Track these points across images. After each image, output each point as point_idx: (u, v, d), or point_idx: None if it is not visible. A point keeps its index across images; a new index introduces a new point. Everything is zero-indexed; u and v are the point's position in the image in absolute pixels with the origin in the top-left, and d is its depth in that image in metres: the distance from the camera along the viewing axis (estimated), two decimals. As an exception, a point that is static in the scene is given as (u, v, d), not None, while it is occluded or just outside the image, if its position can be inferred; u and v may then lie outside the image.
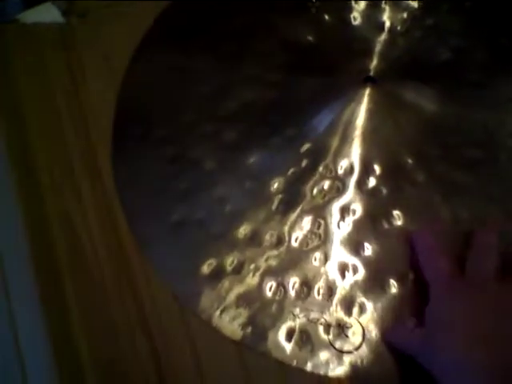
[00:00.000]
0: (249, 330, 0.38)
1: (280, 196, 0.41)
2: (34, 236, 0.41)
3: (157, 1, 0.48)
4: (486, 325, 0.34)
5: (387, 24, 0.46)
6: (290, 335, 0.38)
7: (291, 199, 0.41)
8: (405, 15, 0.46)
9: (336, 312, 0.38)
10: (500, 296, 0.35)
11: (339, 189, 0.41)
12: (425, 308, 0.36)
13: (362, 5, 0.47)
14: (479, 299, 0.35)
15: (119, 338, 0.39)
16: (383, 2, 0.47)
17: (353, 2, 0.47)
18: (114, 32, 0.47)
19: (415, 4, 0.47)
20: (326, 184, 0.41)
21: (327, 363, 0.37)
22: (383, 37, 0.46)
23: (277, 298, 0.39)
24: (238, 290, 0.39)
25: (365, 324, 0.38)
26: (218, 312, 0.39)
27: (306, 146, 0.42)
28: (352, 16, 0.46)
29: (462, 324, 0.34)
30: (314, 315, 0.38)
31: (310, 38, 0.46)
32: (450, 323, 0.35)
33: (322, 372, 0.37)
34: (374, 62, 0.44)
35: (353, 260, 0.39)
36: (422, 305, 0.37)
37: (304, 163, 0.42)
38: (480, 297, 0.35)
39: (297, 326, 0.38)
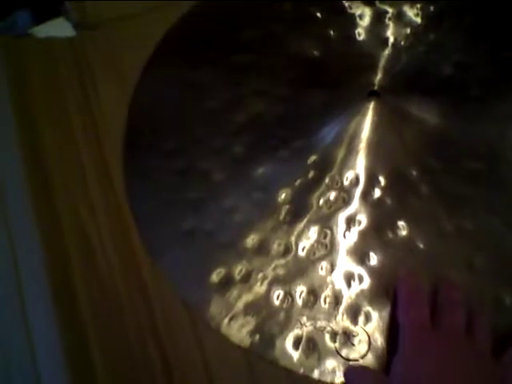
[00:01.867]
0: (257, 337, 0.38)
1: (287, 206, 0.42)
2: (48, 246, 0.42)
3: (167, 14, 0.49)
4: (452, 380, 0.34)
5: (391, 39, 0.47)
6: (297, 343, 0.38)
7: (298, 210, 0.42)
8: (408, 31, 0.47)
9: (342, 320, 0.39)
10: (466, 352, 0.35)
11: (345, 200, 0.42)
12: (392, 356, 0.36)
13: (367, 21, 0.48)
14: (446, 353, 0.35)
15: (131, 345, 0.39)
16: (387, 18, 0.47)
17: (357, 19, 0.48)
18: (126, 45, 0.48)
19: (418, 20, 0.48)
20: (332, 195, 0.42)
21: (334, 371, 0.38)
22: (387, 52, 0.46)
23: (284, 306, 0.39)
24: (247, 298, 0.40)
25: (370, 332, 0.38)
26: (226, 320, 0.39)
27: (313, 158, 0.43)
28: (357, 32, 0.47)
29: (427, 378, 0.34)
30: (320, 323, 0.39)
31: (315, 52, 0.47)
32: (415, 376, 0.34)
33: (328, 380, 0.37)
34: (379, 77, 0.45)
35: (358, 269, 0.40)
36: (390, 350, 0.37)
37: (311, 174, 0.42)
38: (447, 351, 0.35)
39: (304, 334, 0.38)
